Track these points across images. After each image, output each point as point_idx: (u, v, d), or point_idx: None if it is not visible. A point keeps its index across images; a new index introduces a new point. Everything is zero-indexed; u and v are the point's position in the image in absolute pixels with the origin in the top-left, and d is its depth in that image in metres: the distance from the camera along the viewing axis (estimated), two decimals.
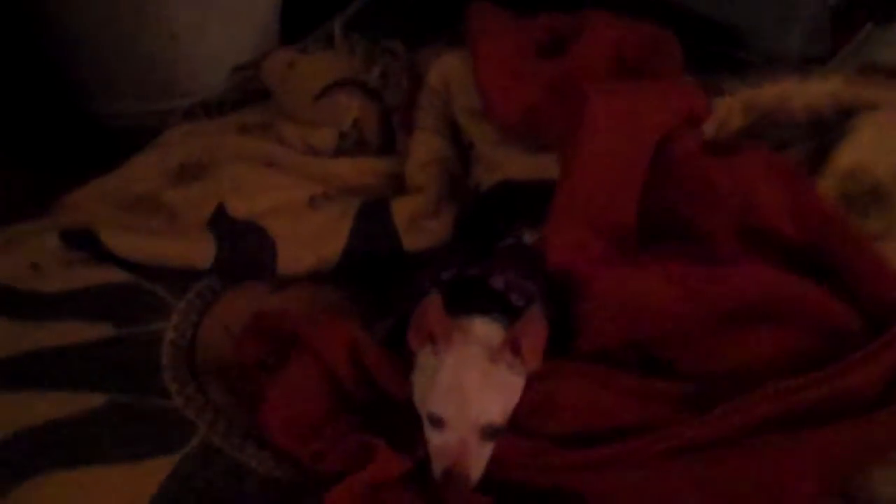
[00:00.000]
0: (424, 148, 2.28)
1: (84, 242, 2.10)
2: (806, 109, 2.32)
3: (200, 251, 2.08)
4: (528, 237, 1.96)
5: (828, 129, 2.23)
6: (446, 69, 2.39)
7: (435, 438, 1.62)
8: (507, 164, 2.18)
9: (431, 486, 1.59)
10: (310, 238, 2.10)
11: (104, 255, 2.11)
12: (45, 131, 2.82)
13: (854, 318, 1.71)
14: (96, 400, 1.63)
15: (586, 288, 1.74)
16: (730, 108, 2.26)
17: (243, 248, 2.08)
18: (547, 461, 1.60)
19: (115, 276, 2.05)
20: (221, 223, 2.15)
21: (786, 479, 1.47)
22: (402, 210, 2.14)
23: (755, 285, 1.71)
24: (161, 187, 2.31)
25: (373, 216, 2.14)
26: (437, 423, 1.61)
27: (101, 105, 2.86)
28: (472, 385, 1.61)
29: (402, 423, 1.70)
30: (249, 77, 2.70)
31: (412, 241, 2.07)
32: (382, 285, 2.04)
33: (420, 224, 2.14)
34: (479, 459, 1.61)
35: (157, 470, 1.51)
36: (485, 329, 1.73)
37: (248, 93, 2.65)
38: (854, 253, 1.82)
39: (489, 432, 1.61)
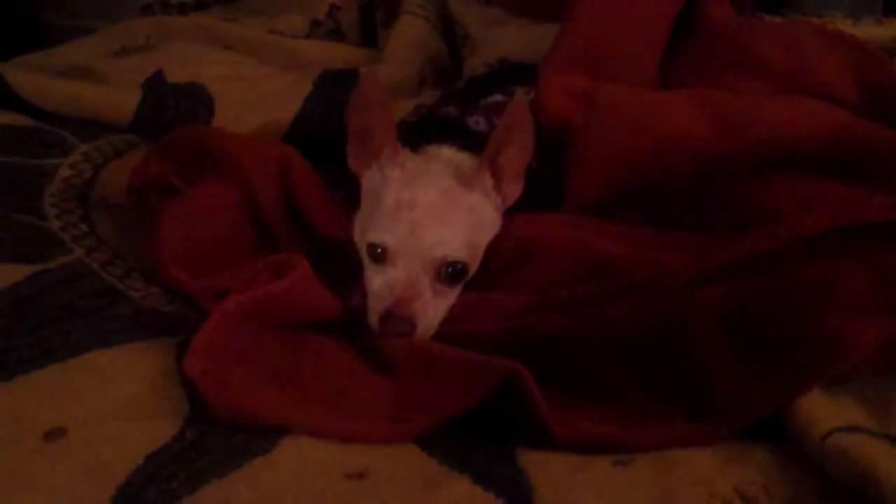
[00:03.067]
0: (410, 29, 1.94)
1: None
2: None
3: (121, 99, 1.70)
4: (521, 95, 1.53)
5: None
6: None
7: (376, 278, 1.18)
8: (504, 43, 1.82)
9: (367, 339, 1.14)
10: (258, 99, 1.73)
11: (13, 104, 1.73)
12: None
13: None
14: None
15: (587, 110, 1.31)
16: None
17: (173, 103, 1.67)
18: (523, 306, 1.14)
19: (18, 119, 1.64)
20: (155, 83, 1.74)
21: (850, 307, 1.01)
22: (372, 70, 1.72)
23: (812, 118, 1.29)
24: (95, 60, 1.91)
25: (336, 82, 1.76)
26: (380, 256, 1.18)
27: (56, 16, 2.50)
28: (427, 206, 1.19)
29: (339, 272, 1.25)
30: None
31: None
32: (339, 158, 1.60)
33: (394, 102, 1.72)
34: (430, 305, 1.17)
35: (8, 273, 1.22)
36: (452, 155, 1.31)
37: None
38: None
39: (448, 273, 1.17)
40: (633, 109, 1.32)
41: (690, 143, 1.30)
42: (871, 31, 2.00)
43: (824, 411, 1.02)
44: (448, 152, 1.32)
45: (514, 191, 1.26)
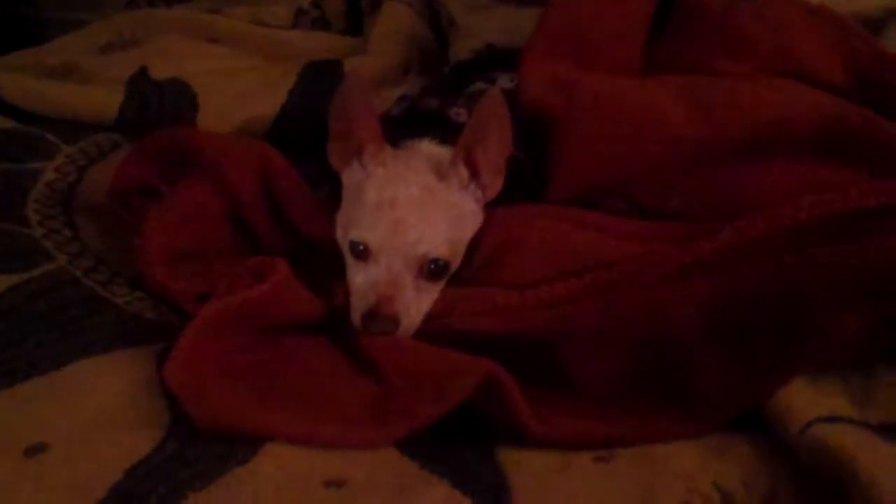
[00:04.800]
0: (394, 17, 1.92)
1: None
2: (852, 14, 1.90)
3: (105, 99, 1.69)
4: (504, 82, 1.52)
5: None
6: None
7: (359, 276, 1.18)
8: (489, 28, 1.80)
9: (350, 338, 1.15)
10: (241, 93, 1.72)
11: None
12: None
13: None
14: None
15: (569, 100, 1.30)
16: None
17: (157, 102, 1.66)
18: (505, 302, 1.13)
19: (1, 122, 1.62)
20: (139, 81, 1.74)
21: (834, 296, 1.01)
22: (357, 69, 1.71)
23: (796, 103, 1.28)
24: (81, 57, 1.90)
25: (320, 74, 1.75)
26: (362, 254, 1.17)
27: (44, 10, 2.49)
28: (409, 204, 1.19)
29: (322, 271, 1.24)
30: None
31: None
32: (324, 151, 1.59)
33: (379, 91, 1.71)
34: (412, 302, 1.17)
35: None
36: (433, 150, 1.30)
37: None
38: None
39: (430, 270, 1.17)
40: (614, 97, 1.32)
41: (672, 130, 1.29)
42: (860, 2, 1.97)
43: (805, 401, 1.02)
44: (428, 146, 1.32)
45: (495, 183, 1.26)
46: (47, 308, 1.20)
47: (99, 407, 1.03)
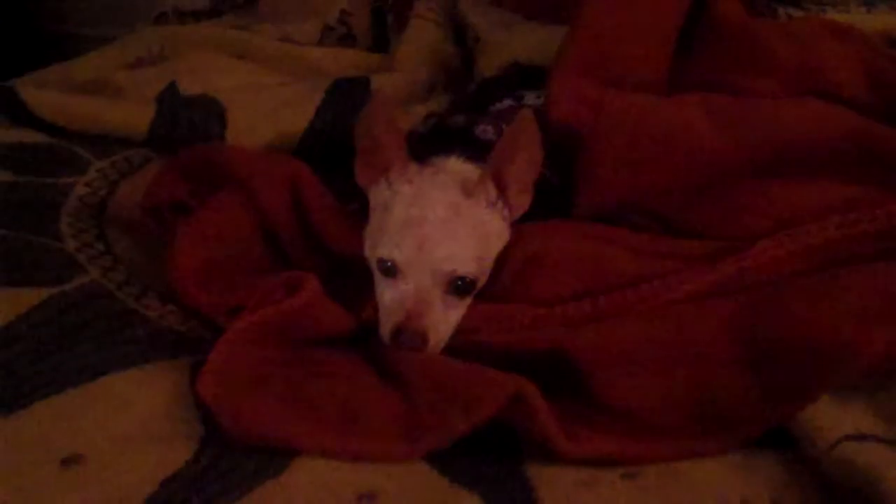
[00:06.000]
0: (420, 34, 1.94)
1: (2, 101, 1.71)
2: (875, 33, 1.91)
3: (136, 115, 1.72)
4: (531, 99, 1.54)
5: None
6: None
7: (387, 292, 1.19)
8: (515, 45, 1.81)
9: (379, 353, 1.16)
10: (270, 110, 1.74)
11: (25, 120, 1.76)
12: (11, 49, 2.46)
13: None
14: None
15: (597, 117, 1.31)
16: None
17: (187, 117, 1.69)
18: (533, 319, 1.14)
19: (30, 136, 1.66)
20: (169, 97, 1.76)
21: (859, 314, 1.01)
22: (384, 87, 1.73)
23: (822, 121, 1.28)
24: (112, 72, 1.93)
25: (348, 91, 1.77)
26: (390, 270, 1.19)
27: (72, 26, 2.52)
28: (436, 221, 1.20)
29: (350, 288, 1.26)
30: None
31: None
32: (350, 169, 1.60)
33: (405, 109, 1.73)
34: (441, 318, 1.18)
35: (26, 297, 1.23)
36: (459, 167, 1.31)
37: (225, 2, 2.29)
38: None
39: (457, 286, 1.19)
40: (642, 115, 1.32)
41: (699, 149, 1.30)
42: (886, 19, 1.98)
43: (832, 419, 1.02)
44: (455, 163, 1.33)
45: (522, 203, 1.27)
46: (81, 321, 1.22)
47: (134, 419, 1.04)
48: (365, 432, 1.02)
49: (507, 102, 1.55)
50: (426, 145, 1.41)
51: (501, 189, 1.26)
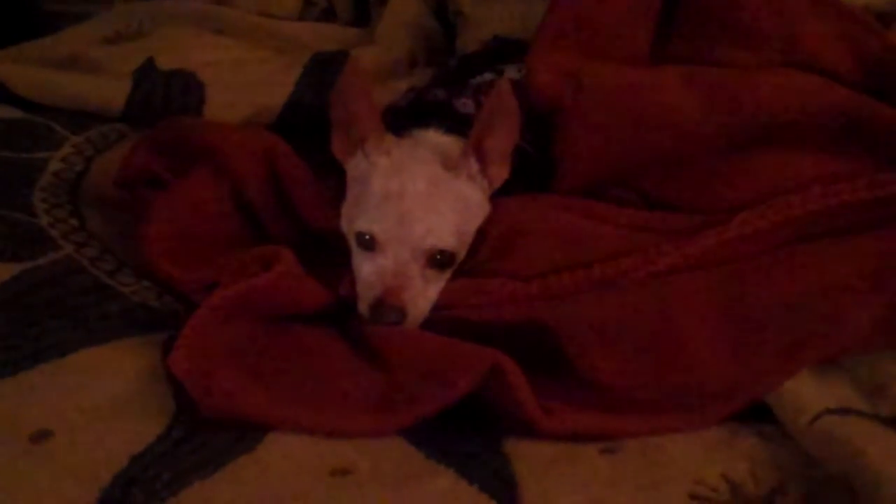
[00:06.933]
0: (401, 8, 1.92)
1: None
2: (859, 6, 1.88)
3: (112, 90, 1.69)
4: (512, 73, 1.51)
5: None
6: None
7: (365, 266, 1.17)
8: (497, 19, 1.79)
9: (356, 328, 1.14)
10: (248, 84, 1.72)
11: (1, 96, 1.75)
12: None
13: None
14: None
15: (576, 89, 1.29)
16: None
17: (164, 92, 1.66)
18: (512, 292, 1.12)
19: (6, 112, 1.65)
20: (146, 72, 1.73)
21: (842, 286, 1.00)
22: (364, 61, 1.70)
23: (802, 93, 1.26)
24: (89, 48, 1.90)
25: (327, 65, 1.75)
26: (369, 244, 1.17)
27: (57, 4, 2.49)
28: (416, 194, 1.18)
29: (327, 263, 1.24)
30: None
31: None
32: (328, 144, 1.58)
33: (386, 83, 1.71)
34: (420, 293, 1.16)
35: None
36: (438, 139, 1.29)
37: None
38: None
39: (437, 260, 1.17)
40: (621, 88, 1.31)
41: (679, 120, 1.28)
42: None
43: (813, 393, 1.01)
44: (434, 136, 1.31)
45: (501, 173, 1.25)
46: (53, 296, 1.20)
47: (104, 395, 1.03)
48: (339, 407, 1.01)
49: (488, 76, 1.52)
50: (405, 119, 1.38)
51: (482, 161, 1.23)
